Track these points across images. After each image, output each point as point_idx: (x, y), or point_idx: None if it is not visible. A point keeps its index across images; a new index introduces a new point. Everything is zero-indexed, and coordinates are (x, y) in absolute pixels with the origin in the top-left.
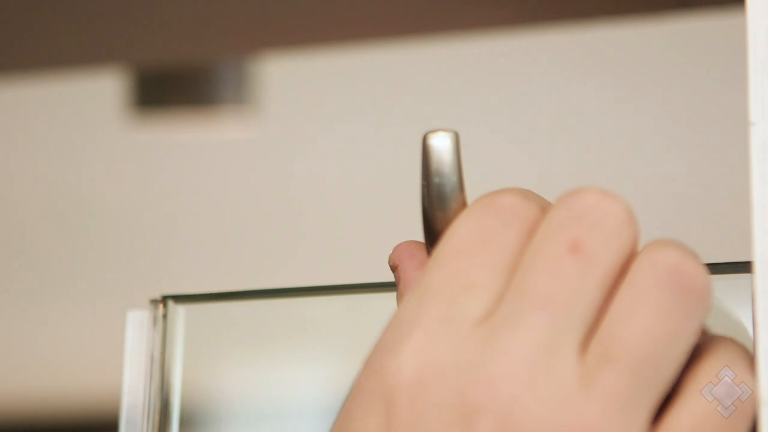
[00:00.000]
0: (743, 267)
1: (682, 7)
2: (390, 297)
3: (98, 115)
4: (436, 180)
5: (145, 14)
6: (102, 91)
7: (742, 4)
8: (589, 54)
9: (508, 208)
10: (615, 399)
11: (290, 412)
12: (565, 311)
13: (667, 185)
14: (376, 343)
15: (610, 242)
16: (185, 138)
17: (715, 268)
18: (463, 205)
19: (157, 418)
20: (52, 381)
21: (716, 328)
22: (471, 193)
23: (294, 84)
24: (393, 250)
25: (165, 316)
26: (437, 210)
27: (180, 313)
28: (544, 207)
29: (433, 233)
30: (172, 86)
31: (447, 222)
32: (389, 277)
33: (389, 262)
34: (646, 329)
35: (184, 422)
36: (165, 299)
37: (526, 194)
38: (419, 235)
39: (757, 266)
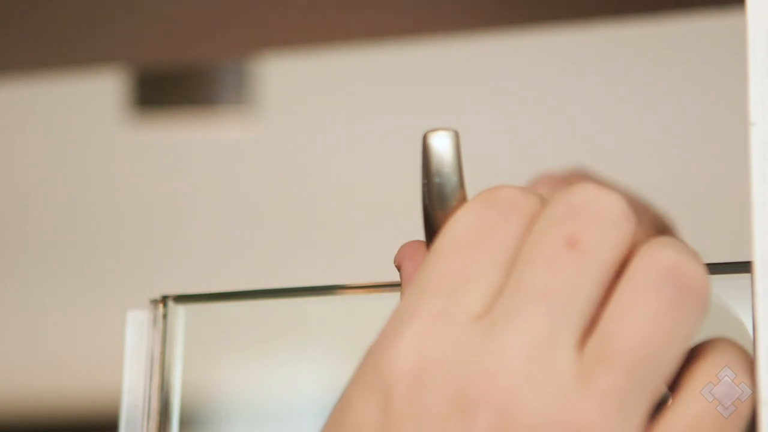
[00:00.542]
0: (743, 267)
1: (682, 7)
2: (390, 297)
3: (98, 115)
4: (436, 180)
5: (145, 14)
6: (102, 91)
7: (742, 4)
8: (589, 54)
9: (508, 201)
10: (611, 397)
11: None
12: (562, 306)
13: (666, 185)
14: (377, 335)
15: (606, 237)
16: (185, 138)
17: (715, 268)
18: (464, 202)
19: (157, 418)
20: (52, 381)
21: (717, 327)
22: (471, 192)
23: (294, 84)
24: (398, 250)
25: (165, 316)
26: (438, 209)
27: (180, 313)
28: (544, 201)
29: (434, 232)
30: (172, 86)
31: (448, 220)
32: (389, 277)
33: (394, 262)
34: (643, 329)
35: (184, 422)
36: (165, 299)
37: (525, 189)
38: (420, 235)
39: (757, 266)
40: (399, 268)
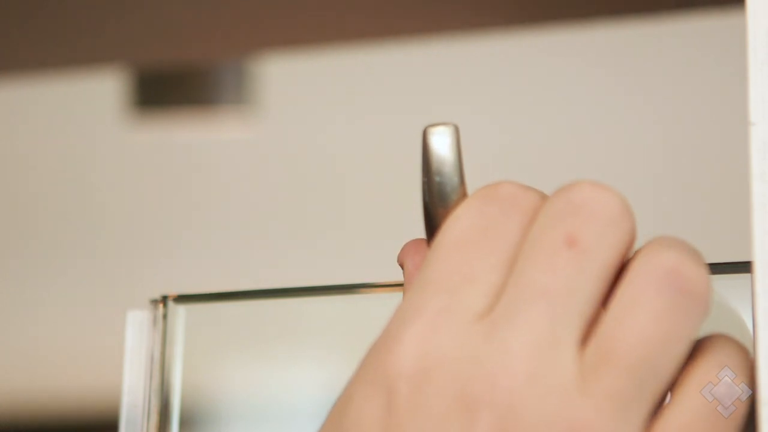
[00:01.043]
0: (743, 267)
1: (682, 7)
2: (390, 297)
3: (98, 115)
4: (437, 178)
5: (145, 14)
6: (102, 91)
7: (742, 4)
8: (589, 54)
9: (507, 197)
10: (611, 399)
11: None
12: (563, 305)
13: (666, 185)
14: (379, 333)
15: (606, 235)
16: (185, 138)
17: (715, 268)
18: (464, 199)
19: (157, 418)
20: (52, 381)
21: (717, 326)
22: (470, 189)
23: (294, 84)
24: (401, 249)
25: (165, 316)
26: (438, 206)
27: (180, 313)
28: (544, 197)
29: (435, 229)
30: (172, 86)
31: (448, 217)
32: (389, 277)
33: (397, 261)
34: (644, 331)
35: (184, 422)
36: (165, 299)
37: (525, 185)
38: (420, 233)
39: (757, 266)
40: (402, 267)
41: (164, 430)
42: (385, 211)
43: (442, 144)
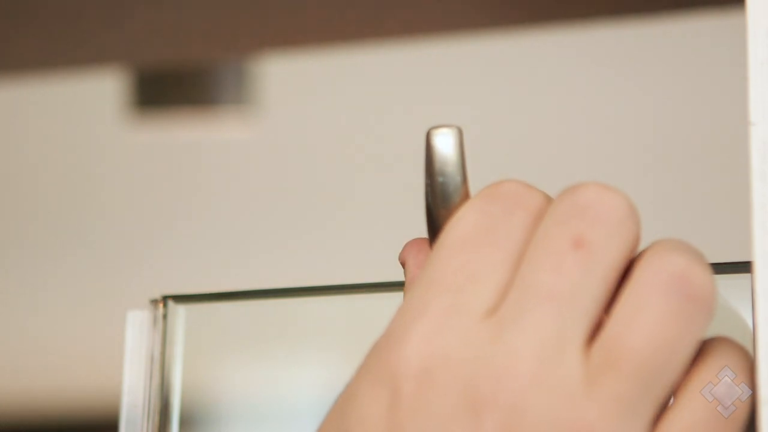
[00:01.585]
0: (743, 267)
1: (681, 7)
2: (390, 297)
3: (98, 115)
4: (440, 179)
5: (145, 14)
6: (102, 91)
7: (742, 4)
8: (589, 54)
9: (511, 196)
10: (615, 403)
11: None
12: (569, 306)
13: (666, 185)
14: (383, 332)
15: (612, 236)
16: (185, 138)
17: (715, 268)
18: (467, 199)
19: (157, 418)
20: (52, 381)
21: (717, 326)
22: (473, 190)
23: (294, 84)
24: (402, 248)
25: (165, 316)
26: (441, 207)
27: (180, 313)
28: (548, 197)
29: (437, 229)
30: (172, 86)
31: (451, 217)
32: (389, 277)
33: (399, 260)
34: (649, 335)
35: (184, 422)
36: (165, 299)
37: (528, 184)
38: (421, 234)
39: (757, 266)
40: (403, 266)
41: (164, 430)
42: (386, 211)
43: (445, 144)
